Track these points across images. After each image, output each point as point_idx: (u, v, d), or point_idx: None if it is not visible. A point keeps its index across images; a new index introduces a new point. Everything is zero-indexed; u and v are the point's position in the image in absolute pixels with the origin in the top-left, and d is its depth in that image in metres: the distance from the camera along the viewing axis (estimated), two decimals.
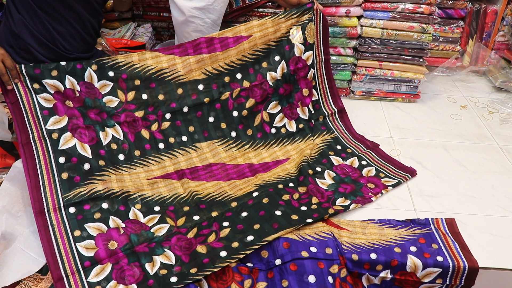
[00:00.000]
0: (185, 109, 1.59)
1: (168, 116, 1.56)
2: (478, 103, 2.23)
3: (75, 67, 1.43)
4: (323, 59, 1.84)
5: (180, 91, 1.58)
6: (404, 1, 1.99)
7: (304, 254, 1.20)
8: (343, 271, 1.21)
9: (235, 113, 1.66)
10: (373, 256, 1.23)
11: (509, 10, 2.40)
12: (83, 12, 1.49)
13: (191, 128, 1.60)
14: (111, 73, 1.48)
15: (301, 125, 1.77)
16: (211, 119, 1.63)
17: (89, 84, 1.45)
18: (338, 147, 1.76)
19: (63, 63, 1.41)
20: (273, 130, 1.73)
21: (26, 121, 1.36)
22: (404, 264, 1.22)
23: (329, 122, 1.85)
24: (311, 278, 1.16)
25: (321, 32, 1.81)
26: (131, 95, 1.51)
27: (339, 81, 2.19)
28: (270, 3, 2.02)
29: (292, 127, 1.76)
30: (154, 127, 1.54)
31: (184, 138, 1.59)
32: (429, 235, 1.32)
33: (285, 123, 1.75)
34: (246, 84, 1.67)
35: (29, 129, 1.36)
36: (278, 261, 1.20)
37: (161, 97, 1.55)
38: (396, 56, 2.11)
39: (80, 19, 1.49)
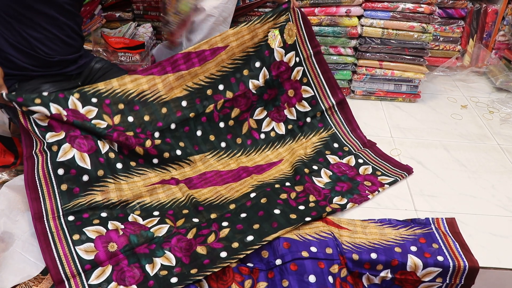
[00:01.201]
0: (173, 126, 1.57)
1: (157, 134, 1.54)
2: (479, 103, 2.22)
3: (57, 96, 1.39)
4: (312, 53, 1.82)
5: (164, 110, 1.56)
6: (405, 1, 1.99)
7: (305, 254, 1.20)
8: (344, 271, 1.21)
9: (221, 124, 1.66)
10: (373, 255, 1.23)
11: (510, 10, 2.40)
12: (56, 15, 1.45)
13: (181, 144, 1.59)
14: (94, 100, 1.46)
15: (290, 126, 1.77)
16: (199, 133, 1.62)
17: (74, 110, 1.42)
18: (335, 145, 1.75)
19: (44, 93, 1.37)
20: (262, 136, 1.73)
21: (29, 135, 1.36)
22: (405, 264, 1.22)
23: (327, 117, 1.84)
24: (312, 278, 1.16)
25: (302, 27, 1.79)
26: (117, 118, 1.49)
27: (340, 81, 2.19)
28: (270, 3, 2.02)
29: (281, 129, 1.75)
30: (148, 143, 1.50)
31: (178, 152, 1.57)
32: (429, 235, 1.32)
33: (273, 127, 1.74)
34: (229, 94, 1.65)
35: (33, 142, 1.36)
36: (278, 261, 1.20)
37: (146, 118, 1.53)
38: (397, 55, 2.11)
39: (55, 22, 1.46)
